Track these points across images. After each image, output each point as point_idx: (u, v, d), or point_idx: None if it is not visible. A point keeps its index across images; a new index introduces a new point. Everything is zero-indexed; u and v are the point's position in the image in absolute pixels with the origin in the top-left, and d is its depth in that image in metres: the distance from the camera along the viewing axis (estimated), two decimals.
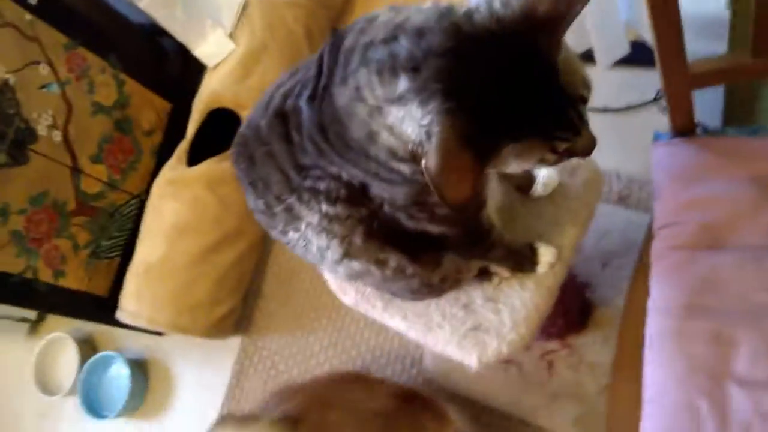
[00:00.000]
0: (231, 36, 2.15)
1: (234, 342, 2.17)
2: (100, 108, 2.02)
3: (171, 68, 2.33)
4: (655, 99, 1.75)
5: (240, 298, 2.12)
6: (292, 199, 0.89)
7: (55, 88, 1.88)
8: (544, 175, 1.18)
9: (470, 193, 0.65)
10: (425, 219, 0.89)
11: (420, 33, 0.67)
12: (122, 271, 2.07)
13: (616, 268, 1.70)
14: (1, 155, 1.72)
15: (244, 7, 2.18)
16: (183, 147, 2.11)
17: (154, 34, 2.26)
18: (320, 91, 0.78)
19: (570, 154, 0.72)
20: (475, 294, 1.18)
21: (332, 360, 2.03)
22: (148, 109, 2.20)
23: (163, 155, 2.18)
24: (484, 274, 1.17)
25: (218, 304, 2.04)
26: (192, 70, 2.21)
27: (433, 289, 1.07)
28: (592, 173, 1.20)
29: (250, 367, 2.13)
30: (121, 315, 2.00)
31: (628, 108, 1.80)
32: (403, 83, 0.67)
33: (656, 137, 1.25)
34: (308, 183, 0.87)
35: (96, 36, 2.01)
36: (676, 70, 1.06)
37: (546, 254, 1.13)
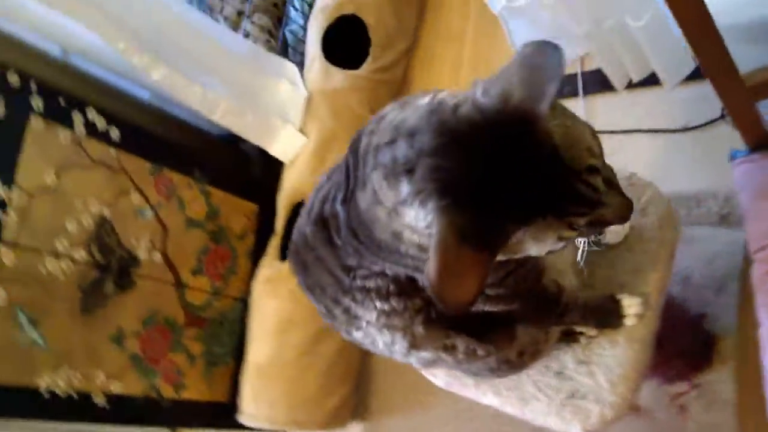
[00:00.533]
0: (301, 130, 2.24)
1: (356, 430, 2.17)
2: (193, 222, 2.14)
3: (253, 170, 2.44)
4: (722, 116, 1.63)
5: (352, 384, 2.13)
6: (347, 301, 0.89)
7: (148, 213, 2.01)
8: None
9: (477, 290, 0.62)
10: (481, 302, 0.86)
11: (412, 134, 0.67)
12: (238, 373, 2.14)
13: (732, 294, 1.56)
14: (109, 285, 1.86)
15: (309, 101, 2.27)
16: (274, 243, 2.19)
17: (232, 141, 2.39)
18: (350, 194, 0.79)
19: (601, 224, 0.68)
20: (566, 358, 1.12)
21: None
22: (237, 214, 2.31)
23: (257, 254, 2.27)
24: (570, 336, 1.11)
25: (330, 394, 2.06)
26: (272, 168, 2.31)
27: (513, 364, 1.02)
28: (664, 209, 1.12)
29: None
30: (241, 418, 2.06)
31: (708, 123, 1.68)
32: (404, 186, 0.66)
33: (733, 155, 1.15)
34: (358, 283, 0.87)
35: (178, 155, 2.15)
36: (730, 85, 0.98)
37: (631, 306, 1.06)
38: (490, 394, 1.17)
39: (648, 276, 1.09)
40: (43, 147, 1.75)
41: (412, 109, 0.70)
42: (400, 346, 0.92)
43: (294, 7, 2.59)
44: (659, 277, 1.09)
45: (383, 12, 2.37)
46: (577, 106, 2.04)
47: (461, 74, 2.38)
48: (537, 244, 0.67)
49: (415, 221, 0.67)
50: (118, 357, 1.87)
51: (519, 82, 0.61)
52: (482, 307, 0.88)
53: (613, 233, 1.12)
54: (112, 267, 1.88)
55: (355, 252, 0.83)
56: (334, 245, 0.85)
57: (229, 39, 2.29)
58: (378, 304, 0.87)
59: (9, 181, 1.67)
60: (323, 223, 0.86)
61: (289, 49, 2.53)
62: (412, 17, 2.49)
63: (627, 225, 1.12)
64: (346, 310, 0.91)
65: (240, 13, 2.55)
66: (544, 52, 0.62)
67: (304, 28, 2.48)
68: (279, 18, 2.59)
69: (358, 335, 0.94)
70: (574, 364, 1.10)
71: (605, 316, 1.06)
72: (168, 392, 1.97)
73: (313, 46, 2.38)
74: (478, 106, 0.63)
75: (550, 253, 0.70)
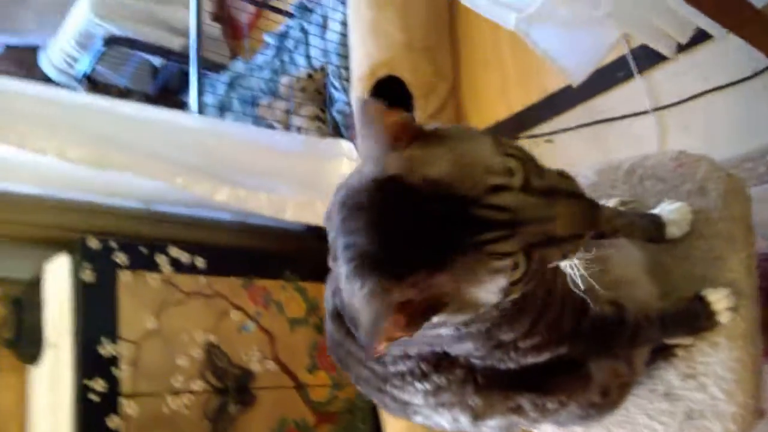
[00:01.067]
0: None
1: None
2: (296, 321, 2.18)
3: None
4: None
5: None
6: (389, 389, 0.85)
7: (251, 325, 2.07)
8: (669, 213, 1.00)
9: (406, 327, 0.59)
10: (519, 356, 0.78)
11: (330, 214, 0.65)
12: None
13: None
14: (231, 406, 1.91)
15: None
16: None
17: (312, 231, 2.43)
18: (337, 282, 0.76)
19: (555, 241, 0.60)
20: (669, 376, 0.99)
21: None
22: None
23: None
24: (663, 352, 0.98)
25: None
26: None
27: (601, 407, 0.91)
28: (725, 181, 0.99)
29: None
30: None
31: None
32: (341, 269, 0.63)
33: None
34: (391, 369, 0.82)
35: (265, 262, 2.21)
36: None
37: (720, 300, 0.93)
38: None
39: (730, 260, 0.95)
40: (137, 296, 1.87)
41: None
42: (463, 419, 0.85)
43: (335, 87, 2.64)
44: (743, 257, 0.95)
45: (416, 63, 2.36)
46: (635, 87, 1.91)
47: (510, 95, 2.31)
48: (480, 287, 0.60)
49: None
50: None
51: None
52: (525, 361, 0.79)
53: (676, 224, 1.00)
54: (230, 388, 1.93)
55: None
56: (354, 336, 0.82)
57: (282, 140, 2.38)
58: (418, 385, 0.82)
59: (114, 338, 1.78)
60: (338, 316, 0.83)
61: (341, 128, 2.58)
62: (446, 58, 2.46)
63: (686, 211, 1.00)
64: (394, 399, 0.86)
65: (288, 112, 2.64)
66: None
67: (350, 104, 2.51)
68: (324, 102, 2.65)
69: (420, 419, 0.88)
70: (679, 380, 0.98)
71: (693, 320, 0.93)
72: None
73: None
74: (360, 174, 0.62)
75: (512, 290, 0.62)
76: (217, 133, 2.15)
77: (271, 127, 2.66)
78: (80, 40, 3.17)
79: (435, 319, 0.63)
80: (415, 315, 0.59)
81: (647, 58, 1.86)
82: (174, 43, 3.23)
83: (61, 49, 3.27)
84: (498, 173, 0.59)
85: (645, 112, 1.94)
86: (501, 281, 0.60)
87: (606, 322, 0.84)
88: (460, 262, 0.58)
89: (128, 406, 1.74)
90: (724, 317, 0.93)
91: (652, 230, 0.99)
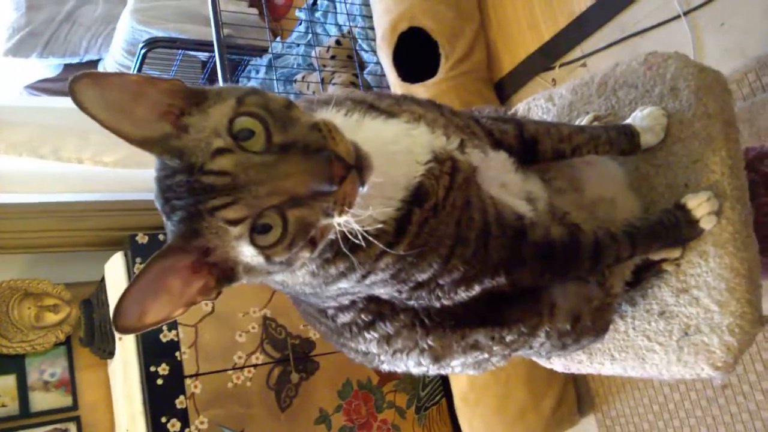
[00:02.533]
0: None
1: (589, 423, 2.01)
2: None
3: None
4: None
5: (563, 379, 1.99)
6: (344, 341, 0.85)
7: None
8: (641, 121, 0.92)
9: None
10: (447, 293, 0.75)
11: None
12: (453, 407, 2.12)
13: None
14: (294, 375, 1.98)
15: None
16: None
17: None
18: None
19: (301, 200, 0.58)
20: (662, 294, 0.93)
21: (689, 398, 1.73)
22: None
23: None
24: (651, 269, 0.92)
25: (544, 398, 1.94)
26: None
27: (576, 334, 0.86)
28: (697, 77, 0.90)
29: None
30: None
31: None
32: None
33: None
34: (339, 322, 0.82)
35: None
36: None
37: (701, 206, 0.85)
38: (607, 363, 1.01)
39: (709, 161, 0.87)
40: None
41: None
42: (425, 362, 0.83)
43: (364, 50, 2.62)
44: (723, 156, 0.86)
45: (436, 10, 2.29)
46: None
47: (539, 24, 2.20)
48: (238, 252, 0.60)
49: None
50: None
51: None
52: (459, 296, 0.76)
53: (650, 131, 0.92)
54: (290, 357, 2.00)
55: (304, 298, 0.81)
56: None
57: None
58: (368, 335, 0.81)
59: (173, 325, 1.88)
60: None
61: (374, 90, 2.56)
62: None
63: (660, 116, 0.91)
64: (355, 350, 0.86)
65: (322, 82, 2.65)
66: None
67: (380, 65, 2.49)
68: (356, 67, 2.63)
69: (386, 367, 0.88)
70: (673, 296, 0.91)
71: (673, 231, 0.86)
72: None
73: (390, 75, 2.38)
74: None
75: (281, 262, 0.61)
76: None
77: None
78: (128, 48, 3.31)
79: (278, 278, 0.68)
80: (209, 283, 0.61)
81: None
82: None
83: (114, 60, 3.42)
84: (221, 135, 0.57)
85: (677, 17, 1.81)
86: (247, 247, 0.59)
87: (554, 245, 0.79)
88: (207, 231, 0.58)
89: (194, 387, 1.84)
90: (706, 223, 0.86)
91: (623, 142, 0.92)
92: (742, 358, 1.61)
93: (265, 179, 0.56)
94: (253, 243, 0.58)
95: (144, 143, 0.59)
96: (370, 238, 0.64)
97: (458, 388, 2.05)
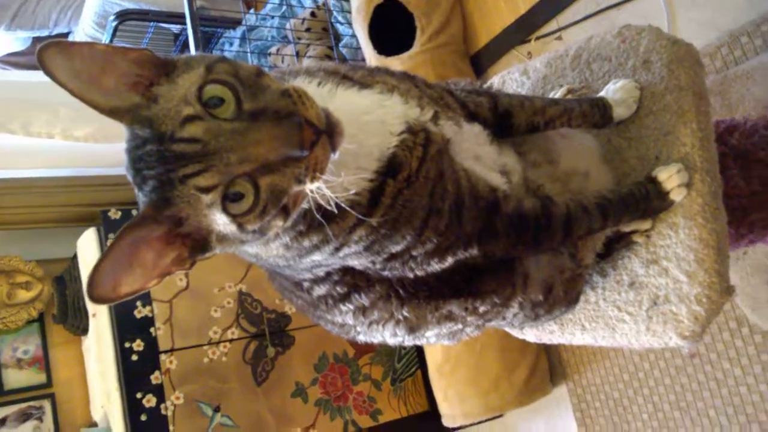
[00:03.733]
0: None
1: (561, 392, 2.04)
2: None
3: None
4: None
5: (535, 349, 2.02)
6: (321, 313, 0.85)
7: None
8: (614, 93, 0.93)
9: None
10: (421, 264, 0.76)
11: None
12: (429, 379, 2.14)
13: None
14: (270, 349, 1.98)
15: None
16: None
17: None
18: None
19: (272, 167, 0.58)
20: (633, 265, 0.94)
21: (658, 366, 1.77)
22: None
23: None
24: (622, 240, 0.93)
25: (515, 368, 1.97)
26: None
27: (551, 304, 0.87)
28: (669, 50, 0.90)
29: (589, 408, 1.97)
30: (444, 421, 2.05)
31: None
32: None
33: None
34: (314, 294, 0.82)
35: None
36: None
37: (671, 178, 0.86)
38: (578, 333, 1.02)
39: (680, 133, 0.88)
40: None
41: None
42: (401, 334, 0.84)
43: (339, 22, 2.59)
44: (694, 128, 0.87)
45: None
46: None
47: None
48: (211, 220, 0.60)
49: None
50: (307, 409, 1.98)
51: None
52: (431, 267, 0.76)
53: (622, 104, 0.92)
54: (265, 332, 2.00)
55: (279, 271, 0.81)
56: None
57: None
58: (343, 307, 0.81)
59: (147, 301, 1.87)
60: None
61: (349, 62, 2.53)
62: None
63: (632, 88, 0.92)
64: (332, 322, 0.87)
65: (297, 55, 2.61)
66: None
67: (356, 37, 2.46)
68: (332, 39, 2.60)
69: (362, 338, 0.88)
70: (642, 267, 0.92)
71: (644, 203, 0.87)
72: (366, 422, 2.04)
73: (366, 48, 2.36)
74: None
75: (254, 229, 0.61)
76: None
77: None
78: (99, 21, 3.23)
79: (252, 250, 0.69)
80: (182, 253, 0.60)
81: None
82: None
83: (85, 33, 3.34)
84: (190, 103, 0.57)
85: None
86: (219, 216, 0.59)
87: (527, 217, 0.79)
88: (179, 200, 0.58)
89: (169, 362, 1.84)
90: (676, 195, 0.87)
91: (595, 114, 0.92)
92: (710, 328, 1.65)
93: (235, 146, 0.56)
94: (225, 211, 0.58)
95: (114, 113, 0.59)
96: (344, 206, 0.64)
97: (433, 360, 2.07)
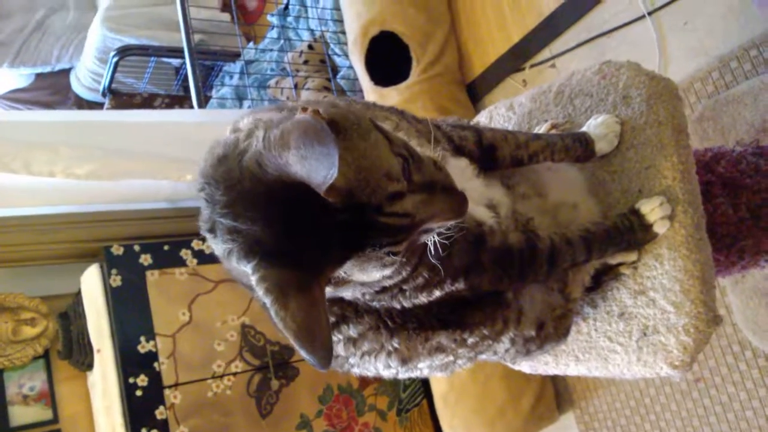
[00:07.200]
0: None
1: (568, 420, 2.04)
2: None
3: None
4: None
5: (541, 377, 2.01)
6: None
7: None
8: (595, 128, 0.95)
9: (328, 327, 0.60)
10: (409, 298, 0.77)
11: (206, 184, 0.63)
12: (434, 408, 2.14)
13: None
14: (275, 382, 1.99)
15: None
16: None
17: None
18: None
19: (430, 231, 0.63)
20: (621, 296, 0.95)
21: (663, 392, 1.76)
22: None
23: None
24: (610, 272, 0.94)
25: (522, 396, 1.96)
26: None
27: (542, 339, 0.89)
28: (648, 85, 0.92)
29: None
30: None
31: None
32: (215, 245, 0.63)
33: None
34: None
35: None
36: None
37: (653, 211, 0.88)
38: (572, 364, 1.03)
39: (661, 167, 0.90)
40: (167, 292, 1.96)
41: (209, 152, 0.67)
42: (393, 365, 0.85)
43: (337, 54, 2.63)
44: (675, 162, 0.89)
45: (407, 14, 2.31)
46: None
47: (509, 26, 2.23)
48: (364, 272, 0.63)
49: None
50: None
51: (298, 159, 0.56)
52: (419, 299, 0.78)
53: (604, 139, 0.94)
54: (269, 364, 2.01)
55: None
56: None
57: None
58: (333, 337, 0.82)
59: (151, 336, 1.88)
60: None
61: (347, 94, 2.57)
62: (440, 2, 2.39)
63: (614, 124, 0.94)
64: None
65: (295, 87, 2.65)
66: (322, 135, 0.55)
67: (353, 69, 2.50)
68: (329, 71, 2.64)
69: (357, 371, 0.89)
70: (631, 298, 0.94)
71: (628, 235, 0.89)
72: None
73: (363, 80, 2.39)
74: (259, 162, 0.59)
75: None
76: (219, 124, 2.20)
77: None
78: (100, 56, 3.30)
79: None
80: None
81: None
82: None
83: (86, 68, 3.41)
84: (396, 179, 0.59)
85: (642, 17, 1.84)
86: (388, 270, 0.63)
87: (512, 252, 0.81)
88: (356, 259, 0.60)
89: (173, 397, 1.84)
90: (659, 227, 0.88)
91: (578, 149, 0.94)
92: (713, 351, 1.65)
93: (426, 218, 0.61)
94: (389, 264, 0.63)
95: None
96: None
97: (438, 389, 2.07)
